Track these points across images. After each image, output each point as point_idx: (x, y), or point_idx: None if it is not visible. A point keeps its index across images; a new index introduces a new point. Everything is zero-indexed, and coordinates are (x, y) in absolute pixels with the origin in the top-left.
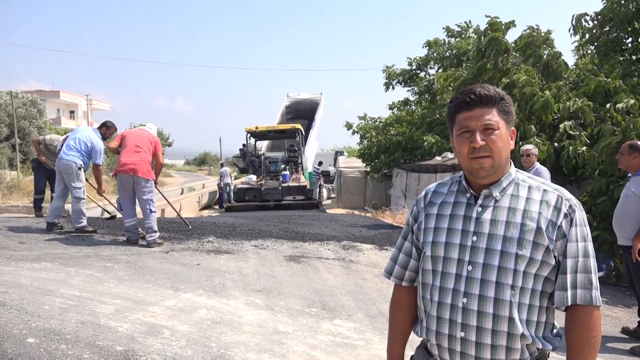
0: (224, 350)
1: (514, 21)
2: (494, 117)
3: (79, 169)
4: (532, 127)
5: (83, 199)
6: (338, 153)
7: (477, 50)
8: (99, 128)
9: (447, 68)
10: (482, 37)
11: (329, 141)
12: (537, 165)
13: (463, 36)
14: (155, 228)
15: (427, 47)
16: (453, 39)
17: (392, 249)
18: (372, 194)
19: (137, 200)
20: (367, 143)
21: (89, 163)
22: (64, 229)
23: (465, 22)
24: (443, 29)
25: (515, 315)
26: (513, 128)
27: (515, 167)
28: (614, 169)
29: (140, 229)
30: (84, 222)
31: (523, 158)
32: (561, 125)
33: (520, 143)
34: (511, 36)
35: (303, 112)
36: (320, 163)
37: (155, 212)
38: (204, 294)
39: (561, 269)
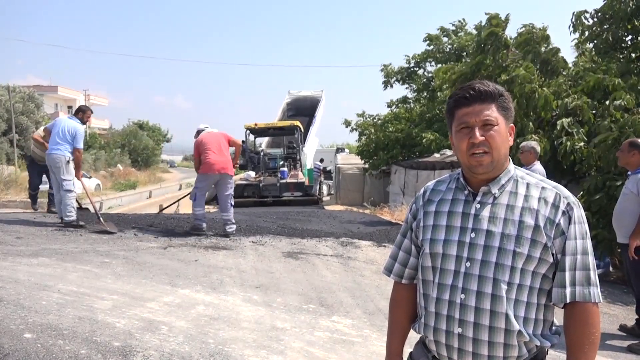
0: (222, 347)
1: (508, 15)
2: (493, 113)
3: (67, 162)
4: (530, 123)
5: (72, 191)
6: (339, 150)
7: (477, 45)
8: (75, 114)
9: (446, 63)
10: (482, 33)
11: (328, 138)
12: (536, 164)
13: (459, 34)
14: (234, 220)
15: (428, 41)
16: (448, 37)
17: (391, 245)
18: (370, 191)
19: (218, 194)
20: (366, 140)
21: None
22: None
23: (460, 21)
24: (438, 29)
25: (512, 312)
26: (512, 124)
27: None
28: (610, 165)
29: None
30: (74, 217)
31: (522, 154)
32: (559, 122)
33: (518, 140)
34: (509, 33)
35: (304, 109)
36: (321, 160)
37: (233, 204)
38: (202, 290)
39: (560, 266)
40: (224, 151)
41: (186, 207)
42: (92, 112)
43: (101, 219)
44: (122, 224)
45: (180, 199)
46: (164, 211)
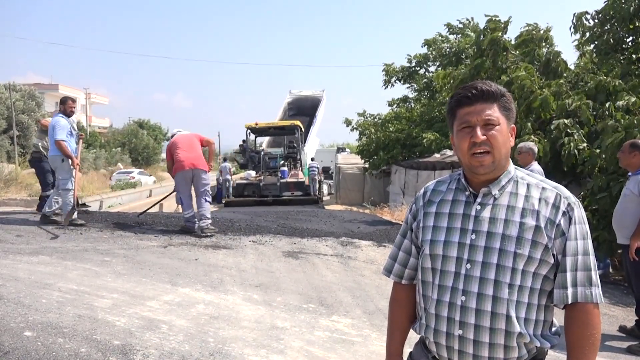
0: (222, 346)
1: (510, 18)
2: (495, 112)
3: (62, 160)
4: (529, 124)
5: (70, 189)
6: (339, 149)
7: (477, 49)
8: (59, 109)
9: (446, 66)
10: (482, 36)
11: (329, 137)
12: (534, 164)
13: (465, 32)
14: (209, 216)
15: (427, 46)
16: (454, 35)
17: (391, 245)
18: (370, 191)
19: (194, 191)
20: (366, 140)
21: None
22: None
23: (467, 19)
24: (444, 25)
25: (513, 314)
26: (513, 125)
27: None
28: (615, 166)
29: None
30: (74, 215)
31: (520, 155)
32: (555, 122)
33: (516, 140)
34: (509, 34)
35: (305, 109)
36: (312, 159)
37: (210, 201)
38: (202, 289)
39: (561, 267)
40: (195, 149)
41: None
42: (73, 101)
43: (76, 210)
44: (122, 223)
45: (160, 200)
46: (145, 211)
